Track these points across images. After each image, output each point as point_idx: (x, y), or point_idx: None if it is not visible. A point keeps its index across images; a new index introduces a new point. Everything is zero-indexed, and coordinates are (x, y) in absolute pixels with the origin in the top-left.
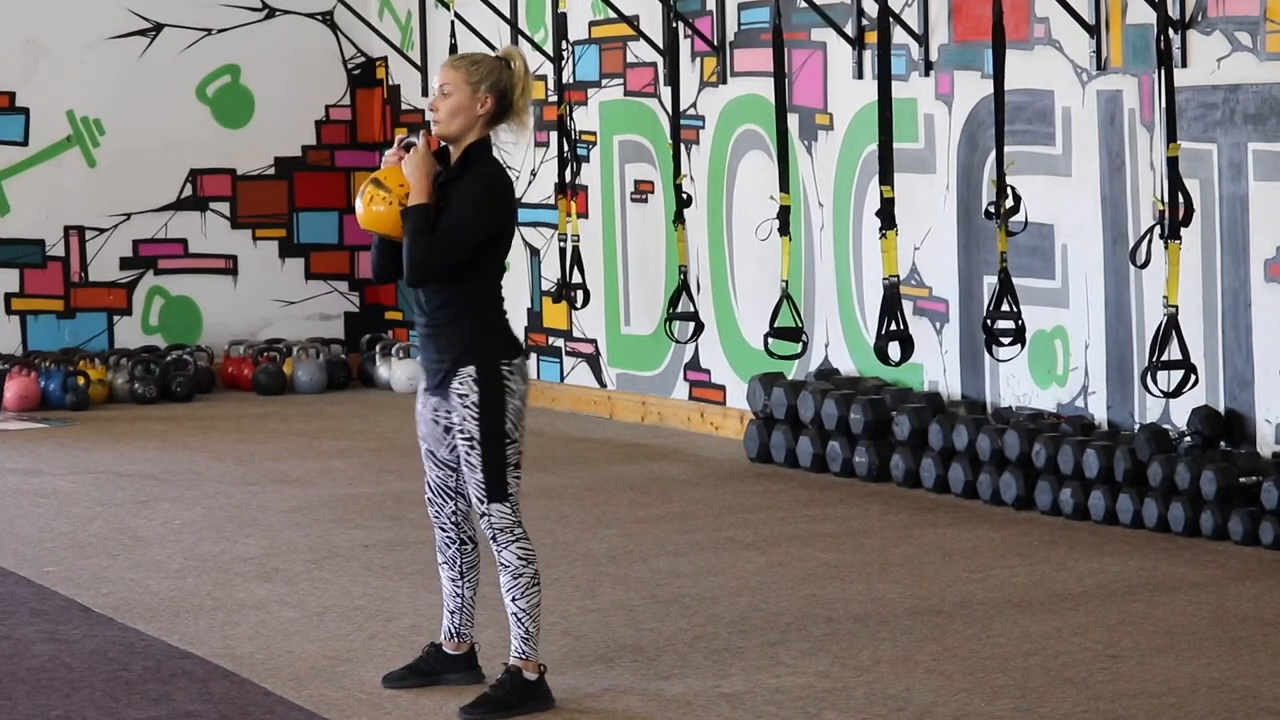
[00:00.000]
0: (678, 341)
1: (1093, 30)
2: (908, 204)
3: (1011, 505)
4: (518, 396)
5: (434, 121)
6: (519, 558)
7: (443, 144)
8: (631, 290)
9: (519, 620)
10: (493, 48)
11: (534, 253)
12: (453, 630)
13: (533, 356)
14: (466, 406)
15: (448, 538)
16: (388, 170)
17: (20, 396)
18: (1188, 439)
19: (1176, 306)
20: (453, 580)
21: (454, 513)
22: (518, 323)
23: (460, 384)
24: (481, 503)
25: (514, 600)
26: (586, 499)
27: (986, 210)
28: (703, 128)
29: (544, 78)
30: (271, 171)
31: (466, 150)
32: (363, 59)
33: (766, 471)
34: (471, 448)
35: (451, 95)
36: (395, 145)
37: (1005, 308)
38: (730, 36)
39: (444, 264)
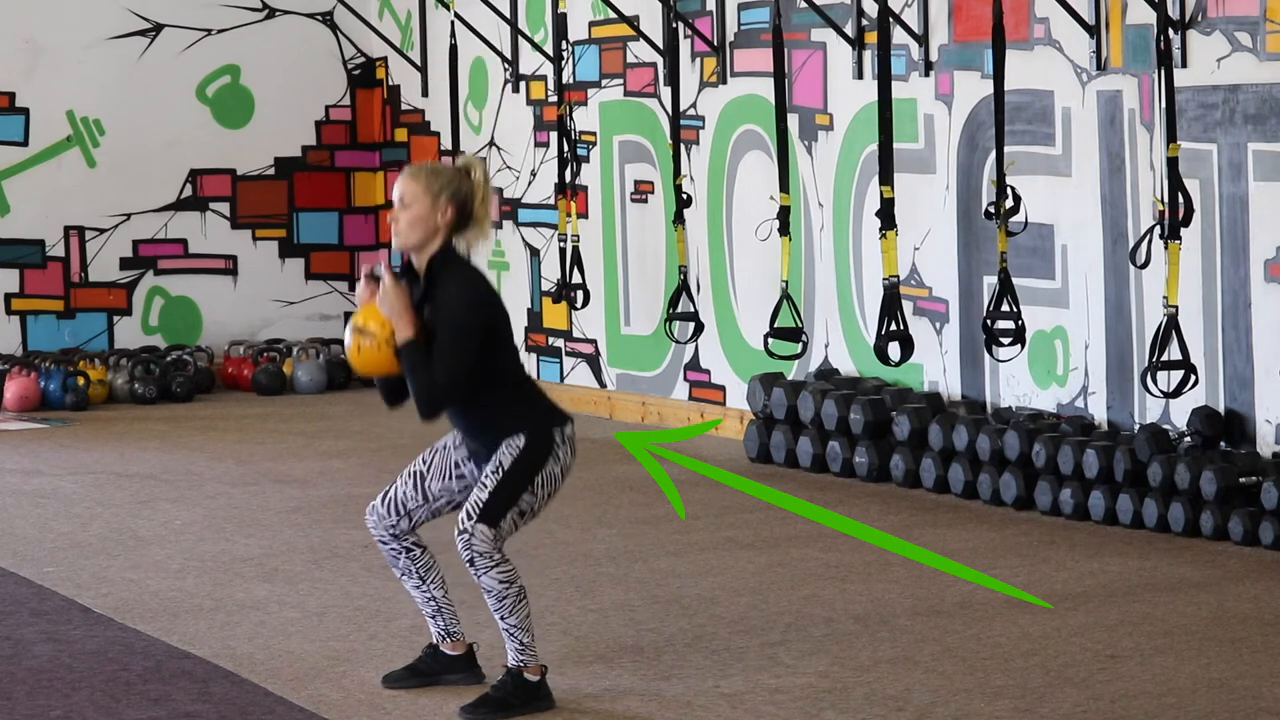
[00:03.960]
0: (678, 341)
1: (1093, 30)
2: (908, 204)
3: (1011, 505)
4: (560, 464)
5: (394, 234)
6: (500, 581)
7: (407, 259)
8: (631, 290)
9: (512, 634)
10: (491, 46)
11: (534, 253)
12: (443, 632)
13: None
14: (510, 450)
15: (391, 550)
16: (365, 311)
17: (20, 397)
18: (1188, 439)
19: (1176, 306)
20: (417, 588)
21: (391, 526)
22: (518, 323)
23: (508, 444)
24: (469, 518)
25: (503, 619)
26: (586, 499)
27: (986, 210)
28: (703, 128)
29: (544, 78)
30: (271, 172)
31: (431, 261)
32: (363, 59)
33: (766, 471)
34: (494, 473)
35: (411, 206)
36: (362, 281)
37: (1005, 308)
38: (730, 36)
39: (452, 388)
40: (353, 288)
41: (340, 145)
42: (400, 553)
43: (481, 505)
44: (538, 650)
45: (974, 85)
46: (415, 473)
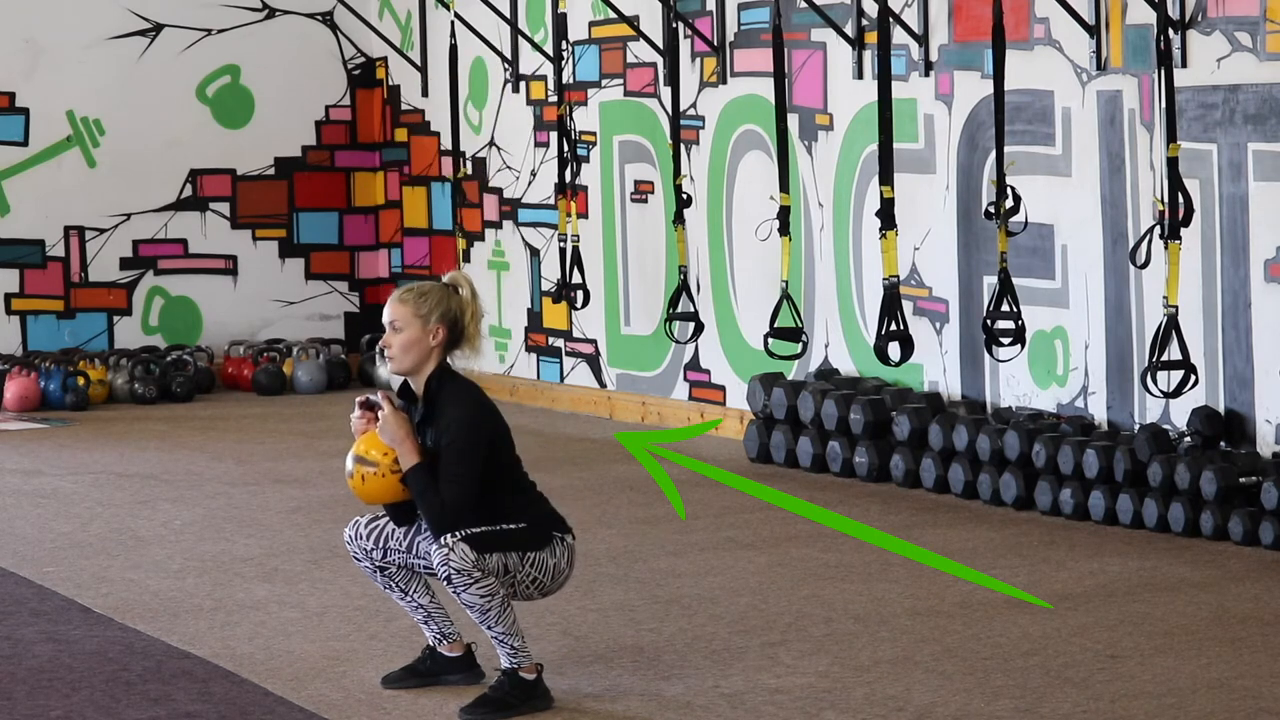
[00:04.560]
0: (678, 341)
1: (1093, 30)
2: (908, 204)
3: (1011, 505)
4: (556, 559)
5: (388, 358)
6: (481, 596)
7: (402, 381)
8: (631, 290)
9: (502, 641)
10: (491, 46)
11: (534, 253)
12: (438, 635)
13: (532, 353)
14: (512, 525)
15: (366, 567)
16: (365, 441)
17: (20, 397)
18: (1188, 439)
19: (1176, 306)
20: (401, 599)
21: (368, 551)
22: (518, 323)
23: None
24: (453, 536)
25: (490, 628)
26: (586, 499)
27: (986, 210)
28: (703, 128)
29: (544, 78)
30: (271, 171)
31: (429, 383)
32: (363, 59)
33: (766, 471)
34: (490, 523)
35: (403, 330)
36: (357, 411)
37: (1005, 308)
38: (730, 36)
39: (462, 506)
40: (353, 288)
41: (340, 145)
42: (376, 570)
43: (470, 531)
44: (531, 650)
45: (974, 85)
46: (415, 523)
